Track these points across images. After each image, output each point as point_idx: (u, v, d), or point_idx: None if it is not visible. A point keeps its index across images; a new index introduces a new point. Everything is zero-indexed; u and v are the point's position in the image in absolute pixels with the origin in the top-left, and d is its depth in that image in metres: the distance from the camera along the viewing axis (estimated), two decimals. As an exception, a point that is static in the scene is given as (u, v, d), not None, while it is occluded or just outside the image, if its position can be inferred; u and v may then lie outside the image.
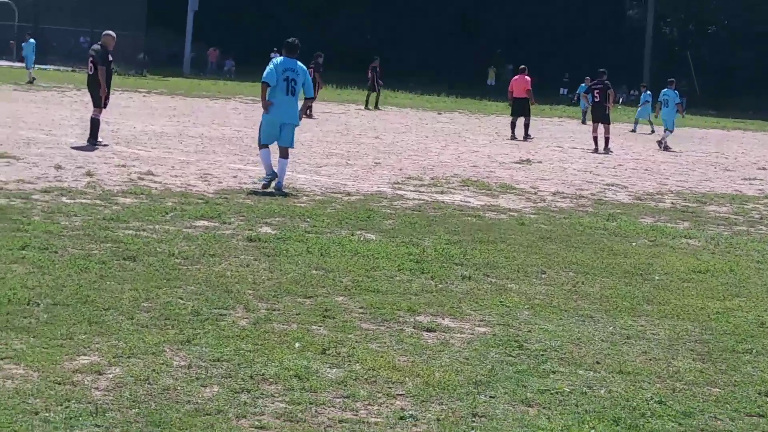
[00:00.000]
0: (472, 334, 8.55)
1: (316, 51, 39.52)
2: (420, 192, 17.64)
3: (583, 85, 44.29)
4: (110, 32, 22.13)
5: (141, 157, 19.81)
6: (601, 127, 30.68)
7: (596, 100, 31.51)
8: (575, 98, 48.75)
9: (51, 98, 35.78)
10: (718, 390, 7.42)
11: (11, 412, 5.99)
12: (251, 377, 6.92)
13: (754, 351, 8.54)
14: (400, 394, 6.83)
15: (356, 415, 6.39)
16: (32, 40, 46.44)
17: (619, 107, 52.88)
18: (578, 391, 7.14)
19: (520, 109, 33.34)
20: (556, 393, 7.05)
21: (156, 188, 15.70)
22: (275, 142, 16.84)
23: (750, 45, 75.28)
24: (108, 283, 9.31)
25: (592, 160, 26.92)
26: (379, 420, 6.34)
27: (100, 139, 21.25)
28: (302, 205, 15.11)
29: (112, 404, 6.24)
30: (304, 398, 6.59)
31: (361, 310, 9.05)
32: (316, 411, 6.41)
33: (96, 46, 22.19)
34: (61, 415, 6.00)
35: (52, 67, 57.80)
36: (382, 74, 44.55)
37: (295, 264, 10.75)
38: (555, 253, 12.54)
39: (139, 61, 62.84)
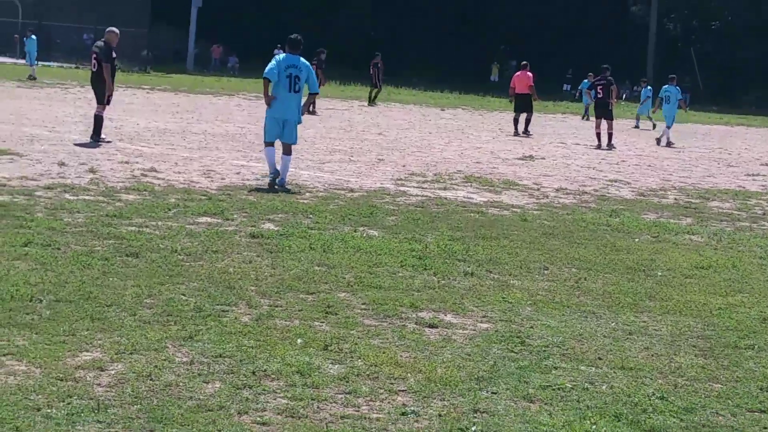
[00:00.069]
0: (474, 330, 8.56)
1: (319, 47, 39.50)
2: (423, 188, 17.65)
3: (585, 81, 44.29)
4: (114, 29, 22.15)
5: (144, 153, 19.83)
6: (604, 123, 30.70)
7: (599, 96, 31.52)
8: (577, 94, 48.71)
9: (54, 95, 35.81)
10: (720, 386, 7.42)
11: (13, 408, 6.00)
12: (253, 373, 6.92)
13: (756, 347, 8.54)
14: (402, 390, 6.83)
15: (358, 411, 6.40)
16: (33, 37, 46.46)
17: (622, 103, 52.82)
18: (580, 386, 7.14)
19: (523, 105, 33.35)
20: (558, 389, 7.06)
21: (159, 185, 15.71)
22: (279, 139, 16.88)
23: (753, 41, 75.14)
24: (110, 279, 9.32)
25: (595, 157, 26.91)
26: (380, 416, 6.34)
27: (103, 136, 21.26)
28: (305, 201, 15.11)
29: (114, 400, 6.25)
30: (306, 394, 6.59)
31: (363, 306, 9.05)
32: (318, 407, 6.41)
33: (99, 43, 22.20)
34: (63, 411, 6.01)
35: (55, 63, 57.85)
36: (384, 70, 44.57)
37: (297, 260, 10.76)
38: (558, 249, 12.54)
39: (143, 57, 62.91)
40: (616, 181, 21.01)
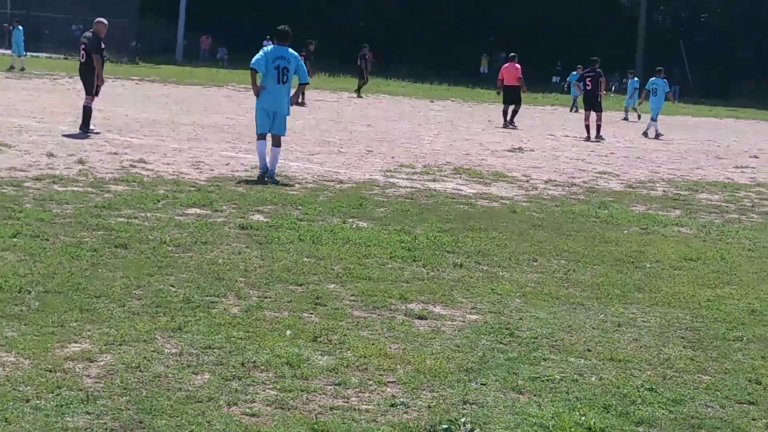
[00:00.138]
0: (463, 321, 8.56)
1: (309, 39, 39.44)
2: (412, 180, 17.65)
3: (574, 73, 44.31)
4: (102, 19, 22.08)
5: (133, 144, 19.79)
6: (593, 115, 30.74)
7: (588, 88, 31.57)
8: (566, 86, 48.74)
9: (43, 86, 35.73)
10: (708, 377, 7.44)
11: (2, 399, 5.98)
12: (242, 364, 6.92)
13: (744, 338, 8.56)
14: (392, 382, 6.84)
15: (347, 403, 6.39)
16: (20, 27, 46.32)
17: (612, 95, 52.85)
18: (569, 378, 7.15)
19: (511, 97, 33.36)
20: (547, 380, 7.06)
21: (148, 176, 15.69)
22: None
23: (743, 33, 75.31)
24: (99, 270, 9.31)
25: (584, 149, 26.94)
26: (370, 407, 6.34)
27: (92, 127, 21.21)
28: (294, 193, 15.10)
29: (103, 392, 6.24)
30: (296, 385, 6.59)
31: (352, 298, 9.05)
32: (307, 398, 6.41)
33: (88, 34, 22.14)
34: (52, 403, 6.00)
35: (44, 54, 57.68)
36: (372, 62, 44.54)
37: (286, 252, 10.75)
38: (546, 240, 12.55)
39: (132, 48, 62.79)
40: (604, 173, 21.04)
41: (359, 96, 42.89)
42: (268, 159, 16.49)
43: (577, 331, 8.47)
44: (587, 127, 30.53)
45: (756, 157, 28.12)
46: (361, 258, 10.71)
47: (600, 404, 6.63)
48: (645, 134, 32.91)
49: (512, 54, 34.83)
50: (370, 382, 6.78)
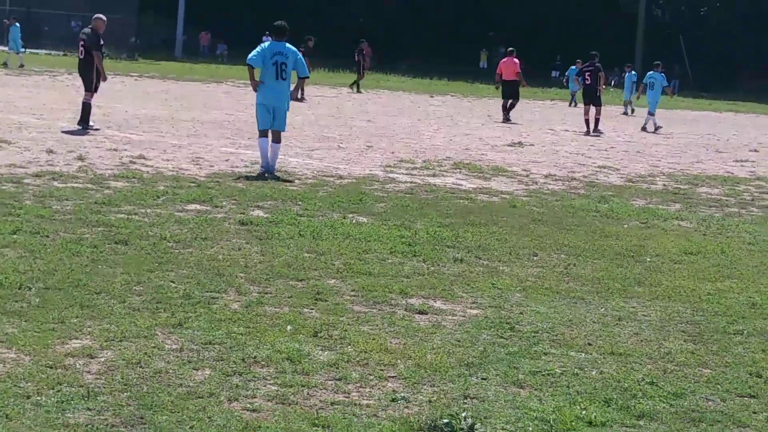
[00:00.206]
0: (463, 316, 8.56)
1: (308, 34, 39.40)
2: (412, 175, 17.64)
3: (573, 67, 44.24)
4: (100, 16, 22.06)
5: (132, 141, 19.79)
6: (592, 110, 30.72)
7: (587, 82, 31.53)
8: (565, 80, 48.69)
9: (42, 82, 35.71)
10: (709, 371, 7.44)
11: (3, 396, 5.99)
12: (243, 360, 6.92)
13: (745, 332, 8.56)
14: (392, 377, 6.84)
15: (348, 398, 6.40)
16: (17, 24, 46.26)
17: (611, 90, 52.82)
18: (570, 372, 7.15)
19: (510, 91, 33.33)
20: (548, 374, 7.06)
21: (148, 172, 15.68)
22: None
23: (742, 27, 75.23)
24: (100, 267, 9.31)
25: (583, 143, 26.93)
26: (371, 402, 6.35)
27: (91, 123, 21.20)
28: (294, 188, 15.10)
29: (104, 388, 6.24)
30: (296, 381, 6.59)
31: (353, 293, 9.05)
32: (308, 393, 6.41)
33: (86, 30, 22.15)
34: (53, 399, 6.00)
35: (43, 51, 57.64)
36: (372, 57, 44.50)
37: (287, 247, 10.75)
38: (547, 235, 12.55)
39: (131, 44, 62.74)
40: (604, 168, 21.03)
41: (358, 91, 42.82)
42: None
43: (577, 325, 8.47)
44: (587, 121, 30.51)
45: (756, 150, 28.10)
46: (362, 253, 10.71)
47: (601, 398, 6.63)
48: (644, 128, 32.89)
49: (510, 49, 34.76)
50: (371, 377, 6.78)
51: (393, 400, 6.39)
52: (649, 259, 11.45)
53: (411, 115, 32.47)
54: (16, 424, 5.65)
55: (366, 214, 13.24)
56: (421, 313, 8.56)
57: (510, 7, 78.38)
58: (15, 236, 10.31)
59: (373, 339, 7.62)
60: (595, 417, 6.27)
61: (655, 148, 26.60)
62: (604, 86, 33.30)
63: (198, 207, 12.95)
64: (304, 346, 7.32)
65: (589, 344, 7.91)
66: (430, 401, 6.41)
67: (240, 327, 7.69)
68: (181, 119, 25.18)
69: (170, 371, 6.61)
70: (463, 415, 6.08)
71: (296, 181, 15.92)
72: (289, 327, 7.78)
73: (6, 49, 46.44)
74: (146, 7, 66.68)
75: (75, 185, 13.95)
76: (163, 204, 12.96)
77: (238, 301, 8.51)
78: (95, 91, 21.54)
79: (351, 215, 13.03)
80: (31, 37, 56.10)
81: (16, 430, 5.58)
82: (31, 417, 5.74)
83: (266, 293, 8.82)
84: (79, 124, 21.09)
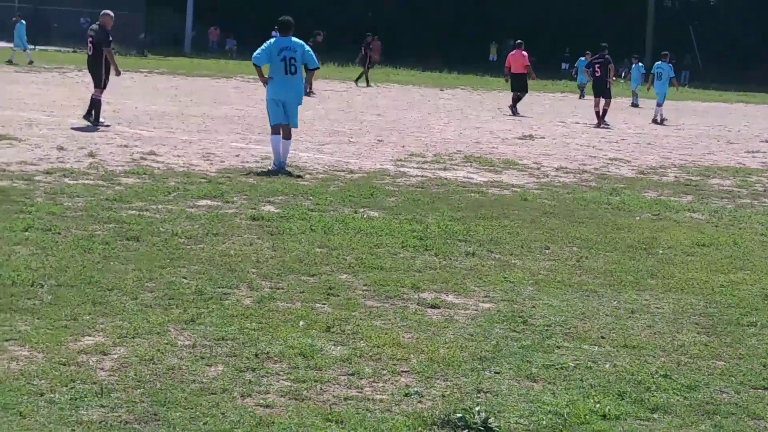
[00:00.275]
0: (476, 310, 8.55)
1: (316, 29, 39.37)
2: (423, 169, 17.62)
3: (582, 59, 44.15)
4: (108, 12, 22.05)
5: (143, 137, 19.80)
6: (602, 102, 30.66)
7: (597, 75, 31.47)
8: (574, 72, 48.58)
9: (52, 79, 35.76)
10: (722, 363, 7.42)
11: (16, 393, 6.00)
12: (256, 356, 6.92)
13: (758, 324, 8.53)
14: (405, 371, 6.83)
15: (361, 393, 6.39)
16: (23, 21, 46.32)
17: (621, 81, 52.71)
18: (583, 365, 7.14)
19: (519, 84, 33.28)
20: (561, 368, 7.05)
21: (158, 168, 15.69)
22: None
23: (753, 17, 75.01)
24: (112, 263, 9.31)
25: (594, 135, 26.88)
26: (384, 397, 6.34)
27: (102, 120, 21.22)
28: (305, 183, 15.10)
29: (117, 384, 6.25)
30: (309, 376, 6.59)
31: (365, 288, 9.05)
32: (321, 389, 6.41)
33: (94, 26, 22.14)
34: (66, 396, 6.00)
35: (53, 47, 57.68)
36: (380, 50, 44.42)
37: (298, 242, 10.75)
38: (558, 228, 12.53)
39: (140, 40, 62.72)
40: (616, 160, 20.99)
41: (368, 84, 42.80)
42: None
43: (590, 318, 8.45)
44: (597, 113, 30.45)
45: (767, 141, 28.01)
46: (373, 248, 10.70)
47: (614, 391, 6.62)
48: (654, 120, 32.82)
49: (519, 41, 34.66)
50: (384, 372, 6.78)
51: (406, 394, 6.39)
52: (661, 252, 11.43)
53: (421, 109, 32.44)
54: (29, 421, 5.65)
55: (377, 208, 13.23)
56: (433, 307, 8.56)
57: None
58: (27, 233, 10.32)
59: (386, 333, 7.61)
60: (608, 410, 6.26)
61: (666, 140, 26.54)
62: (613, 78, 33.24)
63: (209, 203, 12.96)
64: (316, 341, 7.32)
65: (602, 337, 7.90)
66: (443, 395, 6.41)
67: (252, 323, 7.69)
68: (192, 115, 25.19)
69: (183, 367, 6.62)
70: (477, 409, 6.07)
71: (307, 176, 15.91)
72: (301, 322, 7.78)
73: (12, 45, 46.46)
74: (155, 3, 66.66)
75: (86, 182, 13.96)
76: (174, 200, 12.97)
77: (250, 296, 8.51)
78: (105, 87, 21.55)
79: (362, 210, 13.02)
80: (40, 33, 56.14)
81: (29, 428, 5.59)
82: (45, 414, 5.75)
83: (278, 288, 8.82)
84: (85, 117, 21.13)
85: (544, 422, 6.07)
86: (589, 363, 7.20)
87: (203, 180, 14.73)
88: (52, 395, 6.01)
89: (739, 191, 17.28)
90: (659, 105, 33.27)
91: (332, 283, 9.07)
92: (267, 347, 7.10)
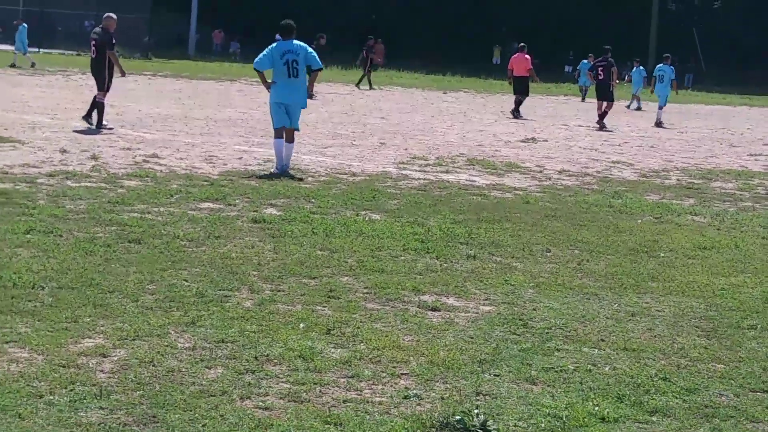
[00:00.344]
0: (476, 312, 8.56)
1: (320, 32, 39.38)
2: (425, 172, 17.63)
3: (585, 61, 44.12)
4: (111, 15, 22.09)
5: (146, 139, 19.82)
6: (604, 105, 30.67)
7: (600, 78, 31.49)
8: (577, 75, 48.57)
9: (56, 82, 35.81)
10: (722, 366, 7.42)
11: (16, 395, 6.01)
12: (256, 358, 6.93)
13: (759, 327, 8.53)
14: (405, 374, 6.84)
15: (360, 395, 6.40)
16: (25, 25, 46.39)
17: (624, 84, 52.67)
18: (583, 368, 7.14)
19: (521, 87, 33.28)
20: (561, 371, 7.06)
21: (161, 171, 15.71)
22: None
23: (755, 20, 74.95)
24: (113, 265, 9.33)
25: (597, 138, 26.88)
26: (383, 399, 6.35)
27: (105, 123, 21.24)
28: (307, 186, 15.11)
29: (117, 386, 6.26)
30: (309, 378, 6.60)
31: (365, 290, 9.05)
32: (320, 391, 6.42)
33: (98, 29, 22.19)
34: (65, 398, 6.01)
35: (57, 51, 57.74)
36: (383, 53, 44.43)
37: (299, 245, 10.76)
38: (560, 231, 12.54)
39: (144, 43, 62.81)
40: (618, 163, 20.99)
41: (371, 87, 42.81)
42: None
43: (590, 321, 8.46)
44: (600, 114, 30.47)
45: (770, 144, 28.03)
46: (374, 250, 10.71)
47: (614, 394, 6.62)
48: (657, 124, 32.82)
49: (521, 44, 34.69)
50: (384, 375, 6.78)
51: (405, 397, 6.40)
52: (662, 255, 11.43)
53: (424, 112, 32.46)
54: (29, 423, 5.66)
55: (379, 211, 13.24)
56: (433, 310, 8.56)
57: (523, 2, 78.21)
58: (29, 236, 10.34)
59: (386, 336, 7.62)
60: (608, 413, 6.26)
61: (669, 143, 26.54)
62: (617, 81, 33.25)
63: (211, 205, 12.97)
64: (316, 343, 7.33)
65: (602, 340, 7.90)
66: (442, 398, 6.41)
67: (253, 325, 7.70)
68: (195, 118, 25.21)
69: (183, 370, 6.63)
70: (476, 411, 6.08)
71: (309, 178, 15.92)
72: (301, 325, 7.79)
73: (13, 49, 46.52)
74: (159, 6, 66.72)
75: (88, 184, 13.98)
76: (177, 203, 12.98)
77: (251, 299, 8.52)
78: (108, 90, 21.58)
79: (364, 212, 13.03)
80: (44, 36, 56.21)
81: (28, 429, 5.60)
82: (44, 416, 5.76)
83: (279, 291, 8.83)
84: (84, 118, 21.20)
85: (543, 425, 6.08)
86: (589, 366, 7.21)
87: (205, 183, 14.75)
88: (51, 397, 6.02)
89: (741, 194, 17.28)
90: (661, 108, 33.28)
91: (333, 286, 9.08)
92: (267, 350, 7.11)
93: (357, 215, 12.78)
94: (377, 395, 6.42)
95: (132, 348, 7.00)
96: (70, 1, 68.04)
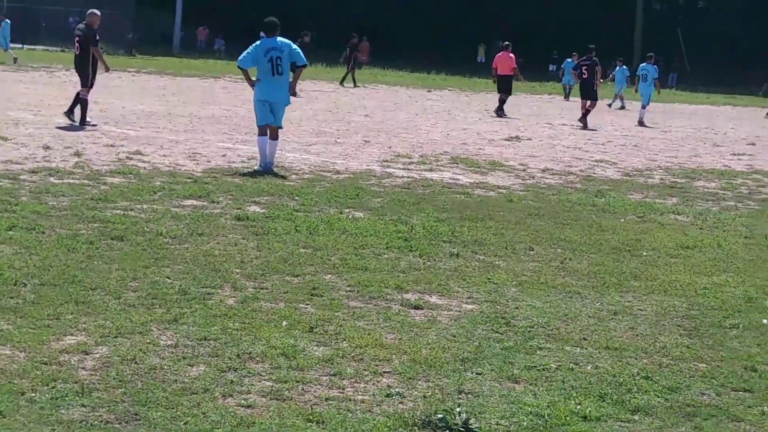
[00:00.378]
0: (459, 311, 8.56)
1: (304, 30, 39.34)
2: (409, 170, 17.64)
3: (569, 60, 44.16)
4: (95, 11, 22.01)
5: (129, 136, 19.77)
6: (587, 104, 30.72)
7: (584, 77, 31.53)
8: (561, 73, 48.62)
9: (39, 78, 35.67)
10: (704, 365, 7.44)
11: (-3, 392, 6.00)
12: (238, 356, 6.92)
13: (740, 326, 8.56)
14: (387, 372, 6.84)
15: (343, 393, 6.40)
16: (8, 21, 46.24)
17: (609, 84, 52.74)
18: (565, 367, 7.16)
19: (505, 86, 33.29)
20: (543, 369, 7.07)
21: (144, 168, 15.67)
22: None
23: (740, 19, 75.20)
24: (95, 263, 9.30)
25: (581, 137, 26.92)
26: (365, 397, 6.35)
27: (88, 119, 21.18)
28: (291, 183, 15.10)
29: (99, 384, 6.25)
30: (291, 376, 6.60)
31: (348, 288, 9.05)
32: (303, 389, 6.42)
33: (81, 26, 22.10)
34: (47, 396, 6.00)
35: (41, 47, 57.54)
36: (368, 51, 44.45)
37: (283, 243, 10.75)
38: (543, 229, 12.55)
39: (128, 40, 62.61)
40: (601, 162, 21.03)
41: (355, 85, 42.80)
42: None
43: (573, 319, 8.47)
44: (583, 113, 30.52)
45: (753, 144, 28.11)
46: (358, 248, 10.71)
47: (596, 393, 6.64)
48: (640, 123, 32.88)
49: (506, 43, 34.69)
50: (366, 373, 6.79)
51: (388, 395, 6.40)
52: (645, 254, 11.46)
53: (408, 110, 32.47)
54: (9, 420, 5.65)
55: (362, 209, 13.24)
56: (416, 308, 8.57)
57: (509, 1, 78.27)
58: (11, 232, 10.31)
59: (369, 334, 7.62)
60: (589, 412, 6.28)
61: (653, 142, 26.60)
62: (601, 80, 33.30)
63: (194, 203, 12.95)
64: (299, 341, 7.32)
65: (585, 339, 7.92)
66: (424, 396, 6.42)
67: (235, 323, 7.69)
68: (179, 115, 25.16)
69: (165, 367, 6.61)
70: (458, 410, 6.08)
71: (293, 176, 15.91)
72: (284, 322, 7.78)
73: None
74: (143, 2, 66.54)
75: (71, 181, 13.94)
76: (160, 200, 12.96)
77: (234, 296, 8.51)
78: (92, 86, 21.53)
79: (347, 210, 13.03)
80: (28, 32, 55.97)
81: (10, 427, 5.58)
82: (25, 413, 5.74)
83: (262, 289, 8.82)
84: (65, 114, 21.16)
85: (525, 423, 6.09)
86: (571, 364, 7.22)
87: (189, 180, 14.72)
88: (33, 394, 6.00)
89: (723, 194, 17.33)
90: (644, 107, 33.34)
91: (316, 284, 9.08)
92: (249, 347, 7.11)
93: (340, 213, 12.78)
94: (359, 393, 6.42)
95: (114, 345, 6.99)
96: (54, -3, 67.85)
